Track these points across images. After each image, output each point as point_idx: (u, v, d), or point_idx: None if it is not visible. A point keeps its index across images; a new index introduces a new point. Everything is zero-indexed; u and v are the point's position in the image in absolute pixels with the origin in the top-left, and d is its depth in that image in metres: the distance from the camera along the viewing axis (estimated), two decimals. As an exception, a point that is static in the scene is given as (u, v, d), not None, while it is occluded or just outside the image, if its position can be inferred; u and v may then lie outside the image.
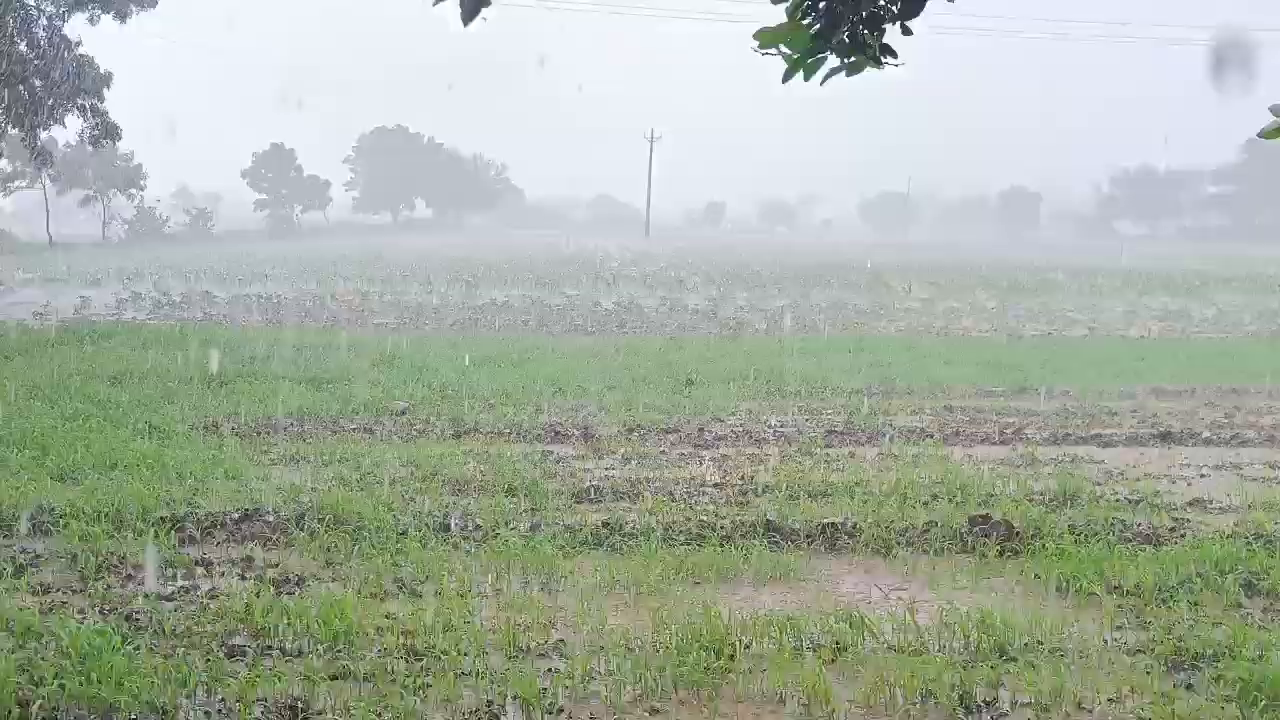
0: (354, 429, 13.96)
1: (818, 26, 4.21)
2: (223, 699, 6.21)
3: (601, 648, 6.89)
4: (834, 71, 4.32)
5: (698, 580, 8.25)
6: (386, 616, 7.39)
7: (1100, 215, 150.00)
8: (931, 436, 13.77)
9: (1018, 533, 9.26)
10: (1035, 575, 8.34)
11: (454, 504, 10.30)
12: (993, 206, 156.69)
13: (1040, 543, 8.93)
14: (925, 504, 10.29)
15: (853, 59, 4.27)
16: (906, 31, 4.28)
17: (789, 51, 4.27)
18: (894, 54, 4.28)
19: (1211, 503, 10.74)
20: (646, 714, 6.10)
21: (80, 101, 38.49)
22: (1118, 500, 10.66)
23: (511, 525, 9.50)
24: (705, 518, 9.86)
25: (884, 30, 4.24)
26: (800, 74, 4.27)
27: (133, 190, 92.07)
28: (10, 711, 5.92)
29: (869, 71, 4.38)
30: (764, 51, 4.30)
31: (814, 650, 6.87)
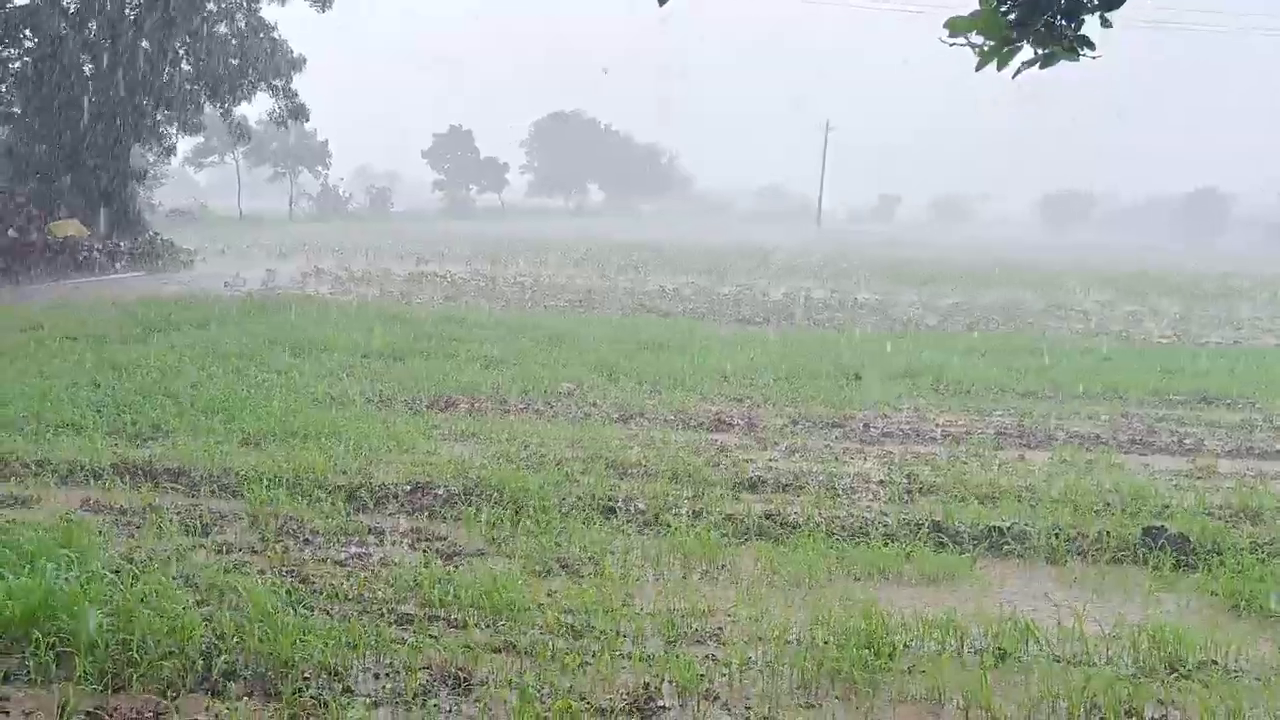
0: (522, 408, 14.23)
1: (1014, 15, 4.12)
2: (391, 664, 6.43)
3: (760, 638, 6.91)
4: (1028, 64, 4.22)
5: (858, 577, 8.19)
6: (548, 594, 7.54)
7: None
8: (1106, 444, 13.37)
9: (1194, 547, 8.94)
10: (1212, 592, 8.04)
11: (617, 487, 10.43)
12: (1177, 209, 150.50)
13: (1218, 559, 8.60)
14: (1097, 512, 10.01)
15: (1048, 50, 4.16)
16: (1106, 24, 4.16)
17: (980, 41, 4.18)
18: (1091, 45, 4.15)
19: None
20: (802, 707, 6.10)
21: (273, 81, 40.15)
22: (1304, 519, 10.19)
23: (674, 511, 9.57)
24: (868, 514, 9.78)
25: (1082, 21, 4.13)
26: (994, 63, 4.18)
27: (318, 168, 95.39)
28: (195, 663, 6.23)
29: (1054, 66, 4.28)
30: (952, 41, 4.22)
31: (976, 655, 6.77)
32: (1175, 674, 6.57)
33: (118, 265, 35.29)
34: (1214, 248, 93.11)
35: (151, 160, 47.32)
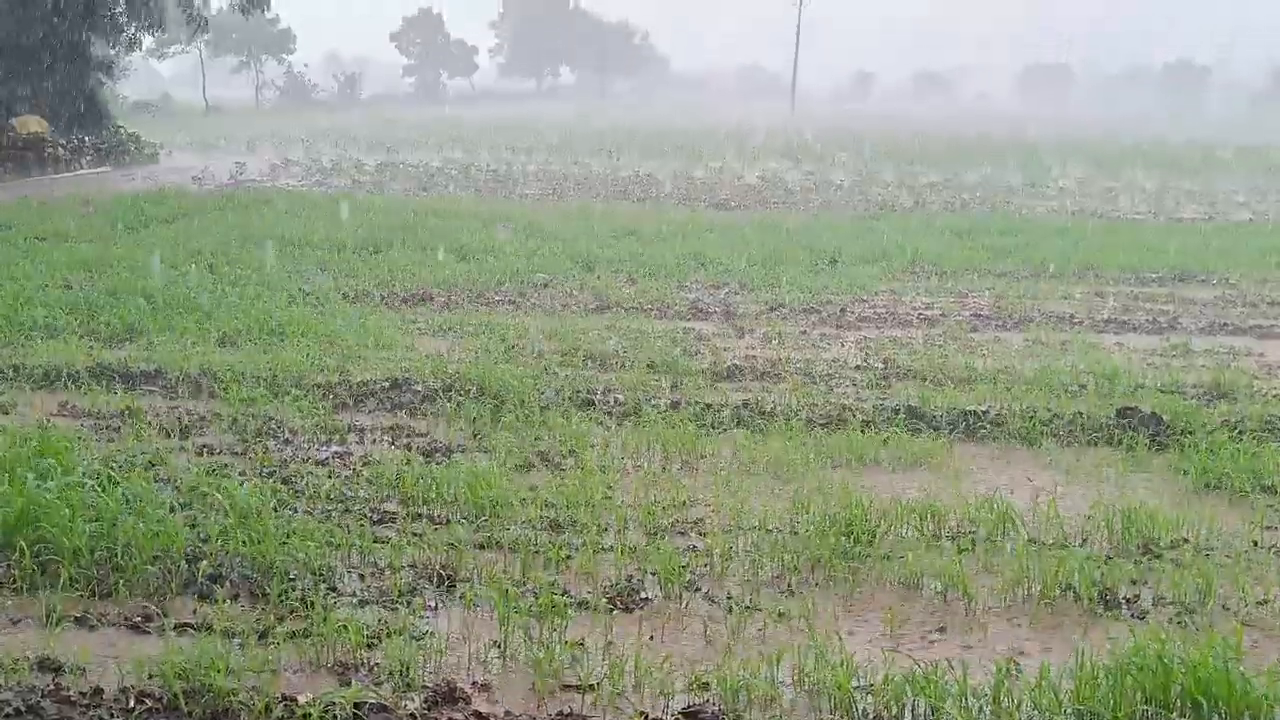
0: (499, 300, 14.19)
1: None
2: (375, 562, 6.48)
3: (740, 528, 6.98)
4: None
5: (836, 464, 8.26)
6: (530, 489, 7.58)
7: (1276, 91, 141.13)
8: (1081, 323, 13.44)
9: (1167, 426, 9.05)
10: (1184, 471, 8.15)
11: (596, 379, 10.45)
12: (1157, 79, 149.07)
13: (1191, 438, 8.69)
14: (1071, 393, 10.10)
15: None
16: None
17: None
18: None
19: (1378, 401, 10.28)
20: (783, 595, 6.18)
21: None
22: (1277, 396, 10.30)
23: (653, 402, 9.61)
24: (845, 400, 9.84)
25: None
26: None
27: (283, 55, 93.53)
28: (180, 566, 6.26)
29: None
30: None
31: (953, 539, 6.87)
32: (1148, 554, 6.68)
33: (83, 161, 34.70)
34: (1195, 119, 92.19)
35: (114, 53, 46.19)
